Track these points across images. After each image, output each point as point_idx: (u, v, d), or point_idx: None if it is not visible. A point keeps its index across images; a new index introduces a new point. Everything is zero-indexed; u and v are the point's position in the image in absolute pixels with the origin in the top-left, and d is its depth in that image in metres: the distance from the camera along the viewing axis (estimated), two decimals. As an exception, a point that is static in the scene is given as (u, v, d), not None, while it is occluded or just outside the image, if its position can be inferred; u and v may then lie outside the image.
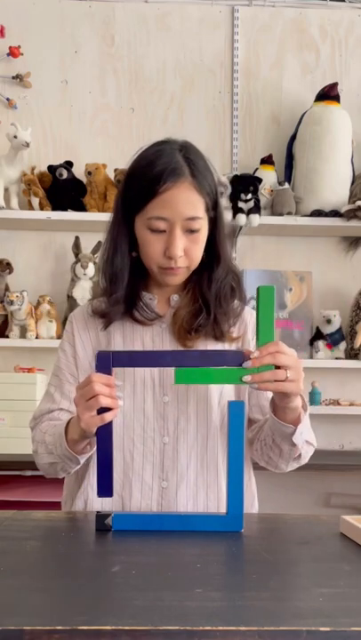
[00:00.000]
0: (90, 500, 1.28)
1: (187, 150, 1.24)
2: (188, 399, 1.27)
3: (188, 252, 1.22)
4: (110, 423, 1.07)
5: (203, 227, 1.23)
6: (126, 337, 1.30)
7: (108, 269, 1.28)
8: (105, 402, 1.05)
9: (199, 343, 1.28)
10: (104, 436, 1.07)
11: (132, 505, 1.25)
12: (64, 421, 1.21)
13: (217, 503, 1.27)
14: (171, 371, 1.15)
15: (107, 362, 1.07)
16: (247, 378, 1.04)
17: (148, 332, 1.30)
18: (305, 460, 1.29)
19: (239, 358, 1.05)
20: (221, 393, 1.29)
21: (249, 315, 1.35)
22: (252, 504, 1.35)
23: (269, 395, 1.24)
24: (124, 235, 1.27)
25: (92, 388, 1.05)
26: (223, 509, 1.25)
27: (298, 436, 1.19)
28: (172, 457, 1.25)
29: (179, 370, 1.05)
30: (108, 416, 1.06)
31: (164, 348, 1.29)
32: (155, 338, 1.30)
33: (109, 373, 1.07)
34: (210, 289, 1.28)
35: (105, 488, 1.06)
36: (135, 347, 1.29)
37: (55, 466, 1.25)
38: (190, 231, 1.21)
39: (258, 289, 1.05)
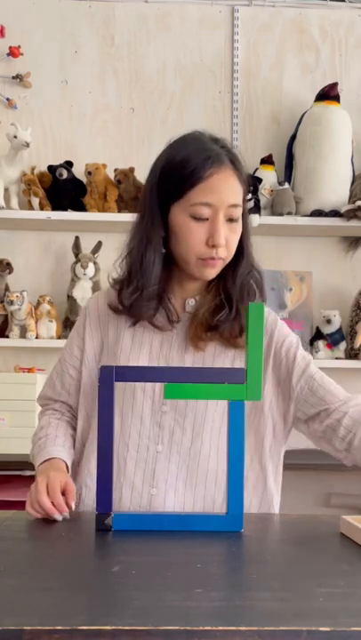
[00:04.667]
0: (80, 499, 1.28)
1: (223, 142, 1.25)
2: (186, 412, 1.26)
3: (227, 241, 1.20)
4: (111, 437, 1.07)
5: (240, 217, 1.22)
6: (135, 338, 1.28)
7: (139, 264, 1.24)
8: (47, 508, 1.11)
9: (208, 348, 1.26)
10: (105, 451, 1.07)
11: (120, 509, 1.24)
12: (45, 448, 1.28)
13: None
14: None
15: (110, 376, 1.07)
16: None
17: (157, 336, 1.28)
18: None
19: (240, 376, 1.06)
20: (224, 413, 1.25)
21: (269, 322, 1.30)
22: (271, 503, 1.31)
23: (313, 368, 1.27)
24: (157, 227, 1.23)
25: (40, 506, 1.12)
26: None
27: None
28: (164, 466, 1.24)
29: (168, 385, 1.05)
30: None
31: (172, 352, 1.27)
32: (163, 342, 1.28)
33: (112, 388, 1.07)
34: (234, 284, 1.25)
35: (105, 503, 1.06)
36: (142, 350, 1.27)
37: None
38: (231, 220, 1.20)
39: (247, 306, 1.06)
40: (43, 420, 1.37)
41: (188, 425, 1.25)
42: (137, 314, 1.25)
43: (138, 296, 1.24)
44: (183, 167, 1.19)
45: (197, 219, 1.18)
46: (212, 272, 1.23)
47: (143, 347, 1.27)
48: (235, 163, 1.21)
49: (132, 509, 1.24)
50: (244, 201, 1.24)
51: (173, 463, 1.25)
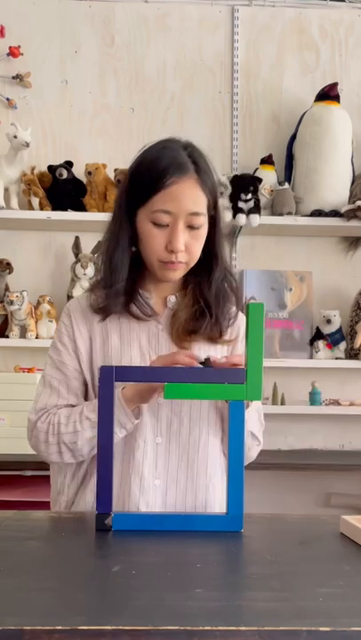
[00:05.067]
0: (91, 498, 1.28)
1: (191, 149, 1.27)
2: (181, 402, 1.28)
3: (188, 247, 1.25)
4: (111, 437, 1.07)
5: (204, 224, 1.26)
6: (123, 336, 1.30)
7: (108, 262, 1.30)
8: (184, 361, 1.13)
9: (194, 345, 1.30)
10: (105, 452, 1.07)
11: (130, 499, 1.25)
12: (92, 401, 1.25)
13: (205, 506, 1.28)
14: None
15: (110, 376, 1.07)
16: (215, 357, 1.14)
17: (144, 333, 1.31)
18: (252, 454, 1.36)
19: (241, 377, 1.06)
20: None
21: (241, 319, 1.37)
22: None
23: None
24: (125, 229, 1.28)
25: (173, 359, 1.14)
26: (210, 512, 1.28)
27: None
28: (165, 457, 1.27)
29: (168, 385, 1.05)
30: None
31: (160, 349, 1.30)
32: (151, 339, 1.31)
33: (112, 388, 1.07)
34: (210, 290, 1.31)
35: (105, 503, 1.06)
36: (132, 347, 1.30)
37: (91, 446, 1.24)
38: (192, 227, 1.24)
39: (247, 306, 1.06)
40: (59, 414, 1.28)
41: (185, 414, 1.28)
42: (105, 308, 1.30)
43: (107, 292, 1.29)
44: (148, 174, 1.23)
45: (158, 225, 1.24)
46: (174, 274, 1.28)
47: (132, 344, 1.30)
48: (199, 172, 1.24)
49: (143, 499, 1.25)
50: (213, 208, 1.28)
51: (173, 454, 1.28)
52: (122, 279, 1.28)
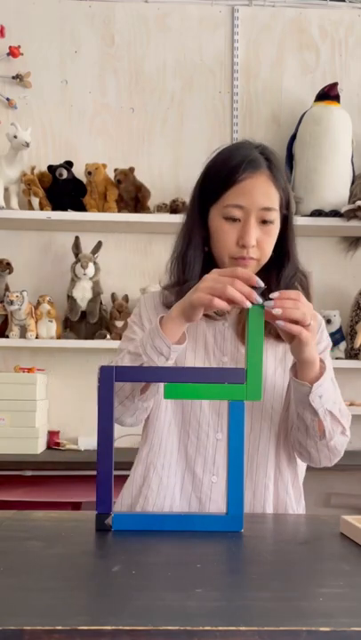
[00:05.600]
0: (152, 494, 1.29)
1: (264, 148, 1.29)
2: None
3: (260, 243, 1.25)
4: (111, 437, 1.07)
5: (276, 220, 1.26)
6: (190, 334, 1.29)
7: (181, 261, 1.31)
8: (233, 294, 1.06)
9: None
10: (105, 451, 1.07)
11: (182, 497, 1.27)
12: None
13: (263, 503, 1.28)
14: None
15: (110, 376, 1.07)
16: (277, 311, 1.06)
17: (210, 330, 1.33)
18: (335, 443, 1.26)
19: (240, 376, 1.06)
20: (273, 395, 1.30)
21: (320, 320, 1.37)
22: (298, 502, 1.34)
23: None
24: (198, 228, 1.30)
25: (230, 279, 1.07)
26: (269, 510, 1.28)
27: (315, 398, 1.17)
28: (224, 454, 1.26)
29: (168, 385, 1.05)
30: (219, 303, 1.07)
31: (226, 345, 1.32)
32: (217, 336, 1.33)
33: (112, 388, 1.07)
34: (278, 286, 1.28)
35: (105, 503, 1.06)
36: (198, 342, 1.32)
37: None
38: (264, 222, 1.24)
39: (248, 308, 1.06)
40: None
41: (247, 412, 1.26)
42: (171, 305, 1.28)
43: (179, 290, 1.29)
44: (220, 171, 1.25)
45: (230, 220, 1.24)
46: None
47: (198, 340, 1.32)
48: (272, 169, 1.25)
49: (194, 497, 1.27)
50: (286, 207, 1.28)
51: None
52: (194, 276, 1.28)
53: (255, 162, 1.23)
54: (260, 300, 1.07)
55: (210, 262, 1.31)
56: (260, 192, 1.23)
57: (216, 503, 1.26)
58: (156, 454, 1.30)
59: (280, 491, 1.30)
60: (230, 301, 1.08)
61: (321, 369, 1.19)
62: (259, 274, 1.28)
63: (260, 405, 1.29)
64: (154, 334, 1.17)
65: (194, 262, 1.30)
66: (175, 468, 1.29)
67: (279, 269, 1.31)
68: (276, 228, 1.27)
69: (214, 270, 1.15)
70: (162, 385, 1.09)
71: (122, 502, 1.34)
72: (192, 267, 1.30)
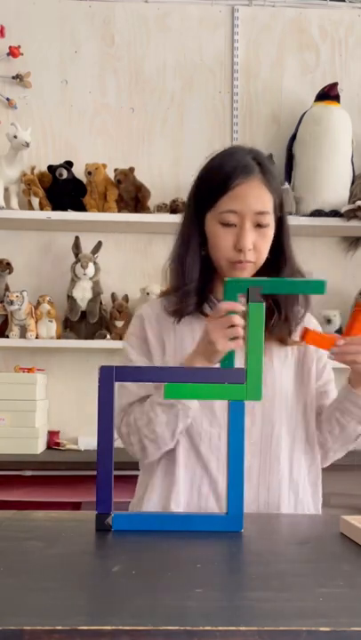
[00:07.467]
0: (170, 495, 1.30)
1: (256, 153, 1.33)
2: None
3: (256, 246, 1.28)
4: (111, 437, 1.07)
5: (271, 223, 1.30)
6: (195, 337, 1.31)
7: (180, 266, 1.34)
8: (240, 332, 1.14)
9: (265, 346, 1.31)
10: (105, 452, 1.07)
11: (200, 497, 1.29)
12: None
13: (278, 502, 1.30)
14: None
15: (110, 376, 1.07)
16: (334, 350, 1.19)
17: None
18: (353, 446, 1.37)
19: (241, 376, 1.06)
20: (281, 390, 1.33)
21: (308, 320, 1.40)
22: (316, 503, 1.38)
23: (332, 386, 1.40)
24: (195, 233, 1.33)
25: (230, 319, 1.14)
26: (283, 510, 1.30)
27: None
28: None
29: (168, 385, 1.05)
30: (239, 343, 1.15)
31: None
32: None
33: (112, 388, 1.07)
34: None
35: (105, 503, 1.06)
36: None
37: (171, 427, 1.26)
38: (259, 225, 1.28)
39: (247, 305, 1.07)
40: (134, 411, 1.31)
41: (258, 412, 1.30)
42: (179, 310, 1.33)
43: (179, 294, 1.33)
44: (215, 178, 1.29)
45: (226, 225, 1.28)
46: (242, 274, 1.30)
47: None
48: (264, 173, 1.28)
49: (211, 495, 1.29)
50: (280, 209, 1.32)
51: (246, 451, 1.28)
52: (193, 280, 1.32)
53: (247, 167, 1.27)
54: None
55: (207, 266, 1.34)
56: (253, 197, 1.26)
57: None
58: (169, 463, 1.31)
59: (296, 489, 1.32)
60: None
61: None
62: (258, 276, 1.32)
63: (271, 406, 1.31)
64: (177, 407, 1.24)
65: (192, 267, 1.33)
66: (194, 468, 1.30)
67: (277, 271, 1.34)
68: (271, 231, 1.30)
69: (208, 318, 1.20)
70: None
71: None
72: (191, 271, 1.32)
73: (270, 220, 1.29)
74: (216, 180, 1.28)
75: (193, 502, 1.29)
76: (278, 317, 1.33)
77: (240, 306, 1.14)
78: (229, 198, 1.26)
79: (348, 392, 1.30)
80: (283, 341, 1.34)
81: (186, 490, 1.30)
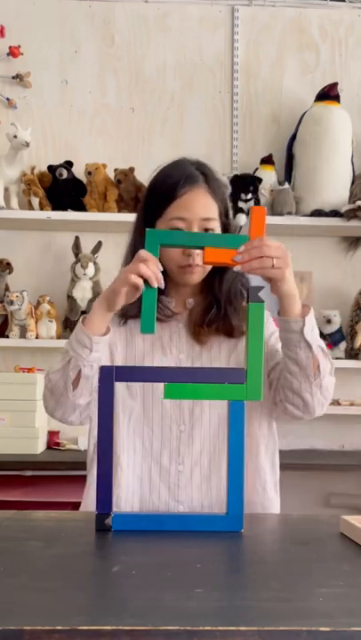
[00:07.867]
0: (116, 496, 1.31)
1: (199, 164, 1.40)
2: None
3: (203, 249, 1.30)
4: (111, 437, 1.07)
5: (216, 228, 1.36)
6: (146, 337, 1.38)
7: None
8: (147, 271, 1.17)
9: (212, 338, 1.39)
10: (105, 451, 1.07)
11: (151, 487, 1.32)
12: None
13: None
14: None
15: (110, 376, 1.08)
16: (237, 258, 1.14)
17: (166, 332, 1.40)
18: (327, 383, 1.30)
19: (241, 376, 1.06)
20: None
21: (267, 318, 1.41)
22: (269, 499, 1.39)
23: (279, 345, 1.35)
24: (144, 241, 1.33)
25: (137, 267, 1.18)
26: (248, 496, 1.29)
27: (309, 332, 1.25)
28: (188, 443, 1.34)
29: (168, 385, 1.06)
30: (135, 279, 1.18)
31: (181, 343, 1.39)
32: (172, 335, 1.41)
33: (112, 388, 1.08)
34: (221, 289, 1.40)
35: (105, 503, 1.06)
36: (155, 345, 1.39)
37: (64, 376, 1.28)
38: (206, 230, 1.34)
39: (248, 305, 1.09)
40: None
41: (206, 402, 1.34)
42: (125, 312, 1.37)
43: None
44: (162, 188, 1.36)
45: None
46: (192, 277, 1.36)
47: (155, 342, 1.39)
48: (208, 182, 1.36)
49: (163, 486, 1.32)
50: (225, 216, 1.38)
51: (197, 440, 1.34)
52: None
53: (192, 177, 1.34)
54: (163, 282, 1.18)
55: (165, 273, 1.36)
56: (199, 204, 1.33)
57: (185, 489, 1.32)
58: (119, 454, 1.33)
59: (256, 481, 1.37)
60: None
61: (305, 308, 1.28)
62: (207, 279, 1.39)
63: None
64: (77, 329, 1.27)
65: None
66: (141, 463, 1.34)
67: (221, 274, 1.39)
68: None
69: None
70: (95, 381, 1.15)
71: (86, 504, 1.36)
72: None
73: (216, 226, 1.35)
74: (164, 189, 1.34)
75: (145, 497, 1.32)
76: (217, 313, 1.38)
77: (155, 259, 1.18)
78: (177, 206, 1.33)
79: (281, 323, 1.27)
80: (229, 334, 1.39)
81: (137, 483, 1.33)
